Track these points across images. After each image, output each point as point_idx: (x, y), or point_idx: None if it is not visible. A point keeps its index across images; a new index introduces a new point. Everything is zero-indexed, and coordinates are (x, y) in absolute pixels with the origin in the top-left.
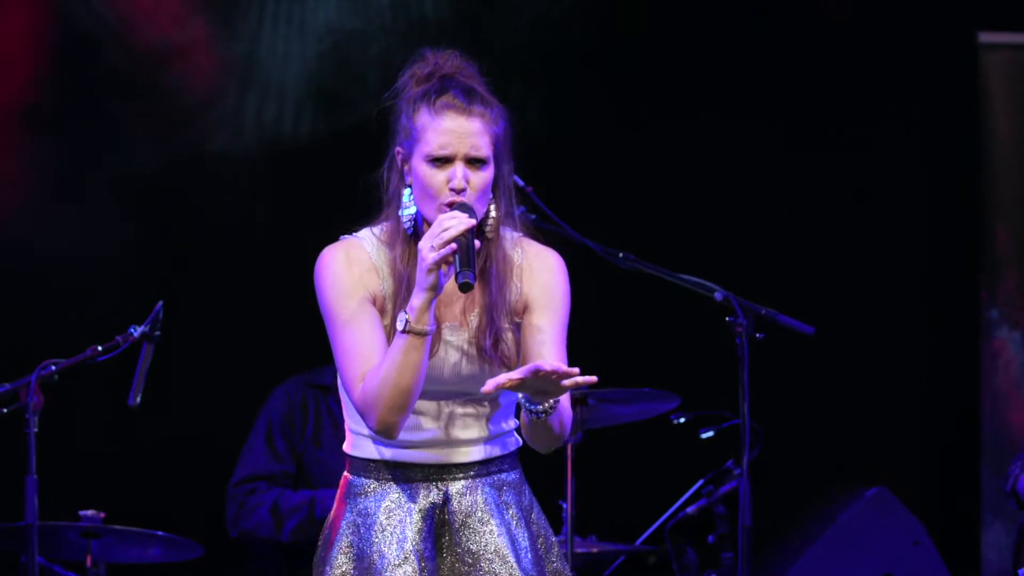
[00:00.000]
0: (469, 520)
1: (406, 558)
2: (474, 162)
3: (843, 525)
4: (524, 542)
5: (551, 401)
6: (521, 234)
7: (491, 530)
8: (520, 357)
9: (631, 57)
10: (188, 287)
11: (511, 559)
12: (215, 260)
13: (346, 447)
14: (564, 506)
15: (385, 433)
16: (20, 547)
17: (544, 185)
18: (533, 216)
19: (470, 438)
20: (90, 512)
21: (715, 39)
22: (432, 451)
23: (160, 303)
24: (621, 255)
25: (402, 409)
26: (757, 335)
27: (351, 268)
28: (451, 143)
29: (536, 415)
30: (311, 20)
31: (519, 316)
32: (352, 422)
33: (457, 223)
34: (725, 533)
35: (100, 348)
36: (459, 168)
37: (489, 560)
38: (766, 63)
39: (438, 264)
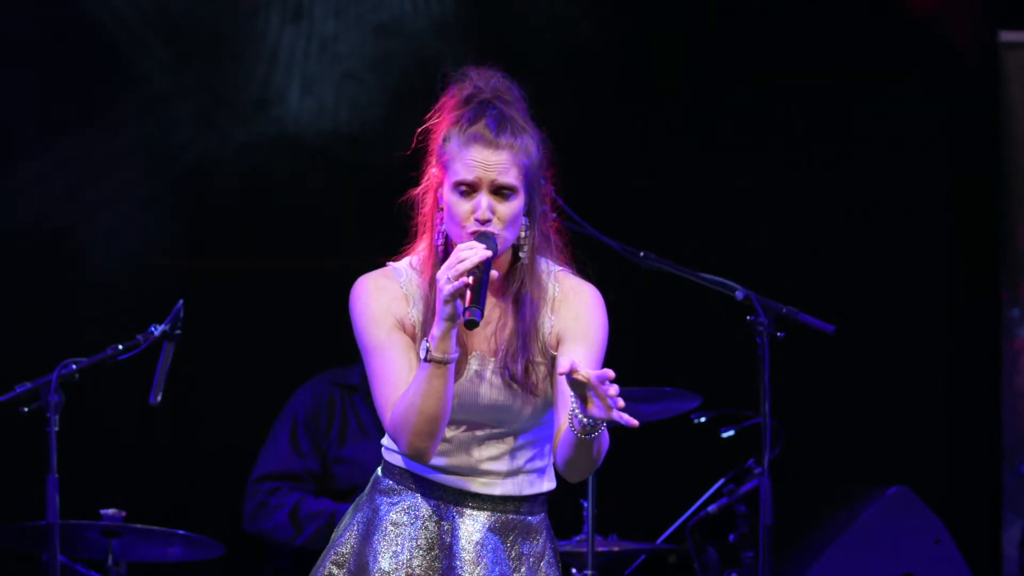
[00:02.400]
0: (466, 552)
1: (395, 569)
2: (500, 193)
3: (864, 524)
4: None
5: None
6: (561, 268)
7: (485, 568)
8: (553, 391)
9: (653, 57)
10: (209, 285)
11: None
12: (236, 259)
13: (385, 442)
14: (585, 505)
15: (417, 458)
16: (42, 546)
17: (565, 184)
18: (554, 215)
19: (491, 470)
20: (111, 511)
21: (735, 38)
22: (452, 476)
23: (180, 302)
24: (642, 254)
25: (430, 435)
26: (778, 334)
27: (380, 296)
28: (477, 174)
29: (585, 427)
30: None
31: (553, 349)
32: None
33: (472, 254)
34: (746, 532)
35: (121, 347)
36: (483, 199)
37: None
38: (786, 62)
39: (453, 296)
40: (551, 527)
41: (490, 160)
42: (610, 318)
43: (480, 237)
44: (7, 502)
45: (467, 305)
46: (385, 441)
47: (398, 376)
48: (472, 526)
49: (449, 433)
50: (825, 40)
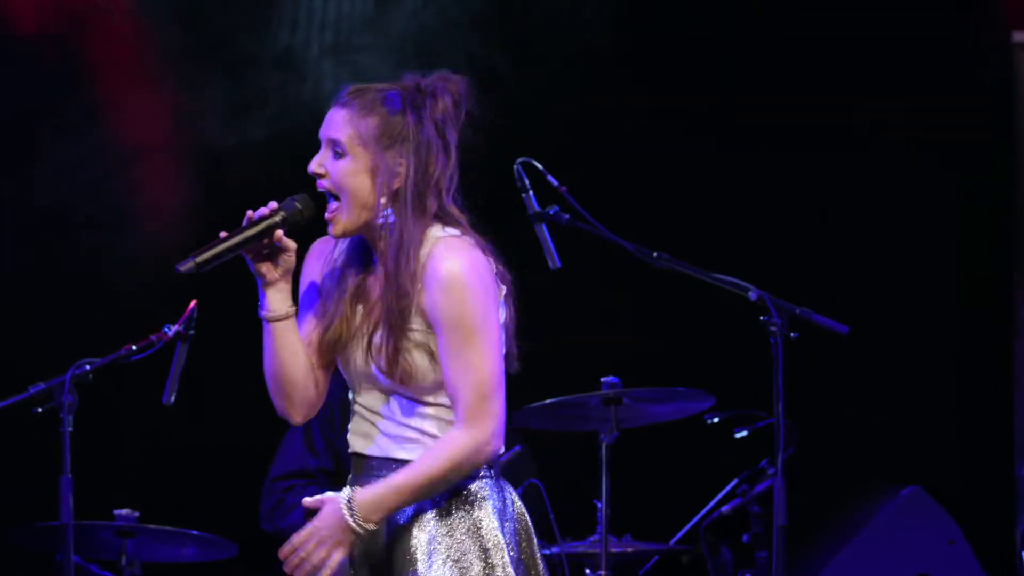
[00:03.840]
0: (395, 518)
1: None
2: (334, 150)
3: (878, 525)
4: (444, 551)
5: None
6: (450, 235)
7: (410, 532)
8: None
9: (663, 57)
10: (223, 285)
11: (419, 566)
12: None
13: None
14: (599, 505)
15: (285, 418)
16: (55, 546)
17: (578, 185)
18: (567, 216)
19: (412, 437)
20: (125, 511)
21: (745, 39)
22: (375, 444)
23: (194, 302)
24: (655, 255)
25: (281, 394)
26: (791, 335)
27: (311, 260)
28: (321, 131)
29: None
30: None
31: (430, 328)
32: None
33: (248, 215)
34: (759, 532)
35: (134, 347)
36: (318, 155)
37: (401, 563)
38: (800, 62)
39: (223, 254)
40: (506, 492)
41: (331, 116)
42: (624, 319)
43: (289, 199)
44: (21, 502)
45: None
46: None
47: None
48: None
49: (362, 398)
50: (838, 40)
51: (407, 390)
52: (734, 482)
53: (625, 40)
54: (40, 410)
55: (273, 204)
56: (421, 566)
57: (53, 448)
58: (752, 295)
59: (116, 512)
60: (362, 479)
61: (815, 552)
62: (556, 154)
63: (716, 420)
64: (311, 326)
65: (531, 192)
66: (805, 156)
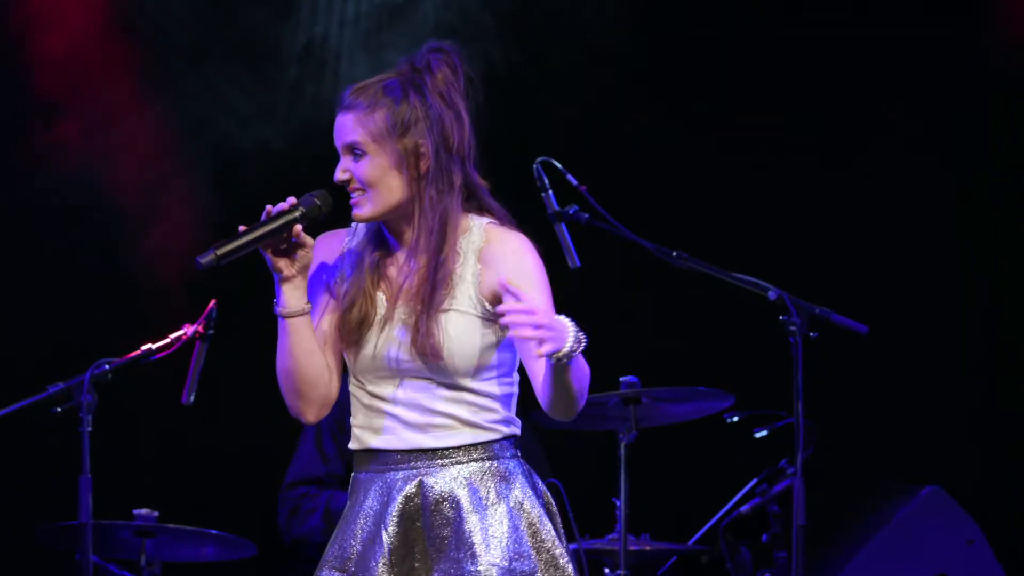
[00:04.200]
0: (440, 507)
1: (378, 547)
2: (354, 153)
3: (897, 524)
4: (500, 531)
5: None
6: (490, 220)
7: (460, 517)
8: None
9: (682, 57)
10: (242, 285)
11: (476, 546)
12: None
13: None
14: (618, 504)
15: (299, 418)
16: (74, 546)
17: (598, 184)
18: (586, 215)
19: (439, 423)
20: (144, 511)
21: (764, 41)
22: (405, 435)
23: (213, 302)
24: (675, 254)
25: (295, 393)
26: (811, 334)
27: (317, 255)
28: (336, 138)
29: (558, 359)
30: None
31: (488, 302)
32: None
33: (267, 210)
34: (779, 532)
35: (154, 347)
36: (340, 163)
37: (455, 547)
38: (816, 61)
39: (242, 248)
40: (531, 471)
41: (340, 123)
42: (644, 319)
43: (308, 194)
44: (40, 502)
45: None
46: (350, 444)
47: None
48: (437, 479)
49: (387, 391)
50: (856, 42)
51: (443, 375)
52: (753, 481)
53: (649, 40)
54: (59, 410)
55: (292, 199)
56: (479, 548)
57: (72, 448)
58: (772, 295)
59: (135, 512)
60: (384, 475)
61: (834, 552)
62: (576, 153)
63: (735, 419)
64: (326, 318)
65: (551, 191)
66: (826, 155)
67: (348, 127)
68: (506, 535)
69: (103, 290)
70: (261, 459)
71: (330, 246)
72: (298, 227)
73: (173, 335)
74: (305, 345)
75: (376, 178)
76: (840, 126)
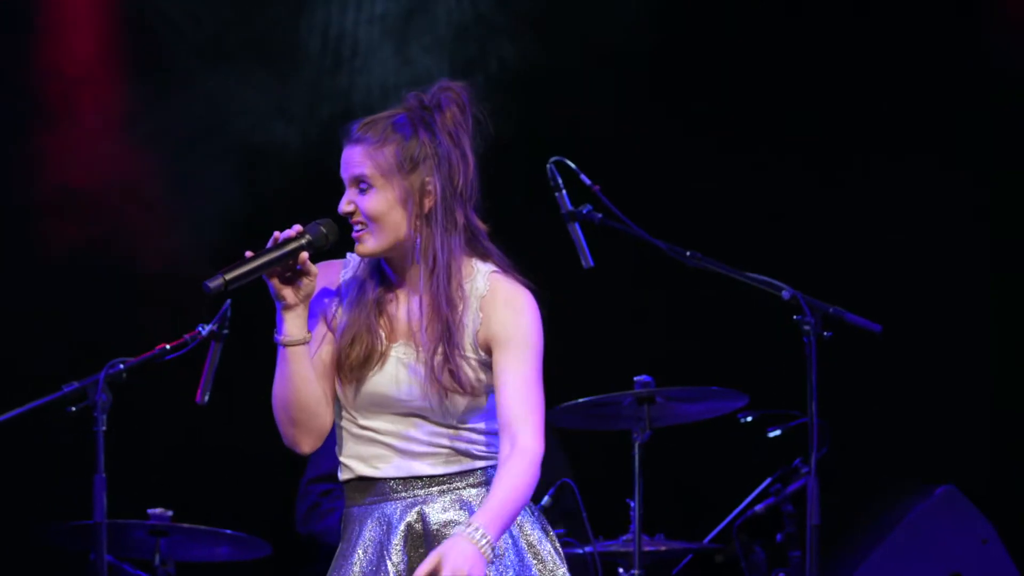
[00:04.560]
0: (444, 533)
1: (383, 573)
2: (360, 186)
3: (911, 524)
4: (503, 553)
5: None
6: (496, 270)
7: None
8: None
9: (695, 58)
10: (257, 285)
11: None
12: None
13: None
14: (632, 504)
15: (292, 448)
16: (89, 545)
17: (611, 184)
18: (600, 215)
19: (435, 452)
20: (158, 510)
21: (777, 41)
22: (402, 465)
23: (228, 301)
24: (688, 254)
25: (291, 422)
26: (825, 333)
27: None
28: (342, 170)
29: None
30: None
31: (484, 349)
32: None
33: (274, 237)
34: (793, 532)
35: (168, 347)
36: (345, 195)
37: None
38: (829, 61)
39: (253, 272)
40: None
41: (347, 155)
42: (657, 318)
43: (313, 223)
44: (55, 502)
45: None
46: (340, 475)
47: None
48: (439, 508)
49: (384, 425)
50: (870, 41)
51: (439, 413)
52: (767, 481)
53: (660, 40)
54: (74, 409)
55: (298, 227)
56: (488, 572)
57: (87, 447)
58: (785, 294)
59: (150, 511)
60: (381, 506)
61: (848, 551)
62: (589, 153)
63: (749, 419)
64: (323, 348)
65: (564, 191)
66: (840, 155)
67: (356, 160)
68: (511, 558)
69: (118, 289)
70: (276, 459)
71: (327, 277)
72: (304, 255)
73: (188, 335)
74: (304, 374)
75: (381, 213)
76: (853, 125)
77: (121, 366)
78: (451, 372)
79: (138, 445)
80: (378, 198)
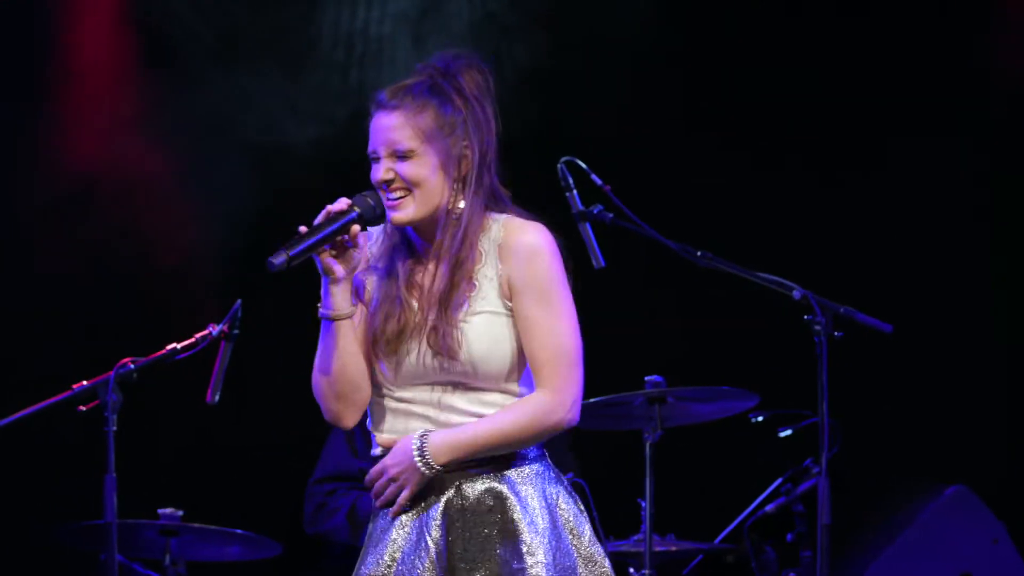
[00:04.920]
0: (481, 507)
1: (423, 553)
2: (399, 154)
3: (922, 523)
4: (542, 529)
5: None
6: (509, 215)
7: (502, 514)
8: (512, 343)
9: (706, 56)
10: (267, 285)
11: (523, 542)
12: None
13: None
14: (643, 504)
15: (335, 423)
16: (99, 545)
17: (622, 184)
18: (611, 215)
19: (460, 423)
20: (169, 510)
21: (786, 39)
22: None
23: (239, 301)
24: (699, 253)
25: (336, 396)
26: (835, 333)
27: None
28: (375, 140)
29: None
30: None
31: (508, 299)
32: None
33: (326, 211)
34: (804, 532)
35: (179, 346)
36: (382, 163)
37: (500, 544)
38: (840, 59)
39: (309, 250)
40: (558, 471)
41: (384, 123)
42: (668, 318)
43: (359, 196)
44: (65, 501)
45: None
46: (373, 451)
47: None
48: (475, 480)
49: (419, 395)
50: (880, 39)
51: (471, 378)
52: (778, 481)
53: (670, 40)
54: (84, 409)
55: (346, 200)
56: (525, 547)
57: (97, 447)
58: (796, 294)
59: (160, 511)
60: None
61: (859, 551)
62: (600, 153)
63: (760, 419)
64: (359, 325)
65: (575, 191)
66: (850, 155)
67: (392, 127)
68: (548, 533)
69: (128, 289)
70: (286, 458)
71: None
72: (355, 228)
73: (198, 335)
74: (350, 348)
75: (423, 178)
76: (863, 124)
77: (131, 366)
78: (443, 336)
79: (149, 445)
80: (419, 164)
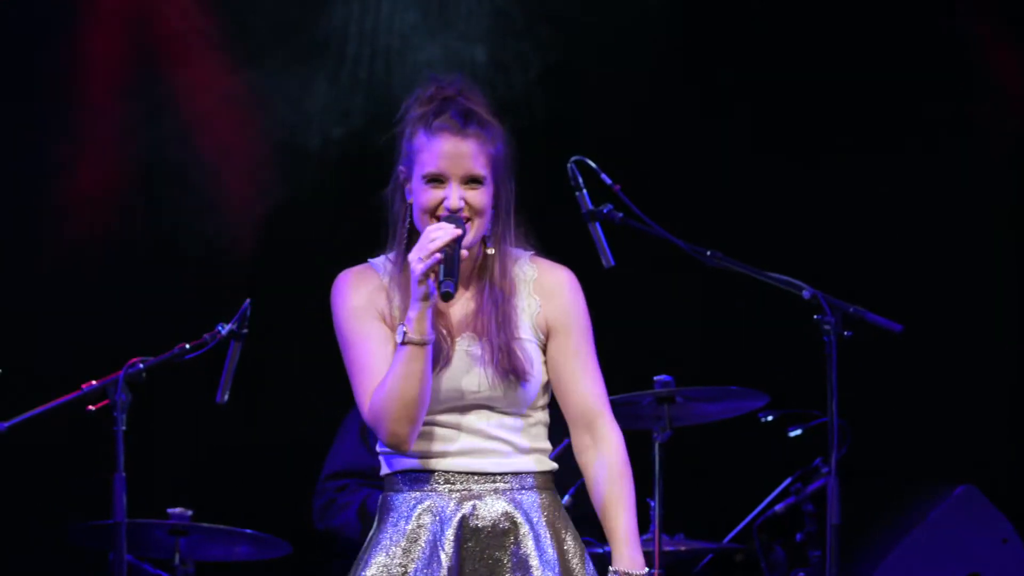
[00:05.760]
0: (495, 529)
1: (436, 569)
2: (470, 182)
3: (931, 523)
4: (552, 555)
5: None
6: (531, 253)
7: (515, 541)
8: (550, 374)
9: (717, 54)
10: (276, 284)
11: (534, 570)
12: (303, 257)
13: (381, 470)
14: (652, 504)
15: (396, 447)
16: (109, 545)
17: (632, 184)
18: (620, 214)
19: (500, 449)
20: (178, 510)
21: (797, 38)
22: (461, 459)
23: (248, 301)
24: (709, 253)
25: (410, 420)
26: (845, 333)
27: (360, 288)
28: (446, 164)
29: None
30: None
31: (543, 332)
32: (379, 444)
33: (443, 233)
34: (813, 531)
35: (188, 346)
36: (454, 188)
37: (512, 570)
38: (849, 57)
39: (426, 274)
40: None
41: (459, 149)
42: (678, 316)
43: (448, 218)
44: (75, 501)
45: (440, 279)
46: (381, 461)
47: (377, 365)
48: (492, 504)
49: (447, 418)
50: (889, 38)
51: (498, 401)
52: (787, 481)
53: (678, 40)
54: (94, 409)
55: (450, 225)
56: (536, 572)
57: (107, 446)
58: (806, 293)
59: (169, 511)
60: (432, 496)
61: (868, 551)
62: (609, 153)
63: (770, 419)
64: (391, 352)
65: (585, 191)
66: (859, 155)
67: (471, 154)
68: (557, 559)
69: (138, 288)
70: (295, 458)
71: (369, 281)
72: (464, 252)
73: (207, 334)
74: (428, 372)
75: (485, 207)
76: (872, 125)
77: (141, 365)
78: (510, 356)
79: (158, 445)
80: (485, 193)
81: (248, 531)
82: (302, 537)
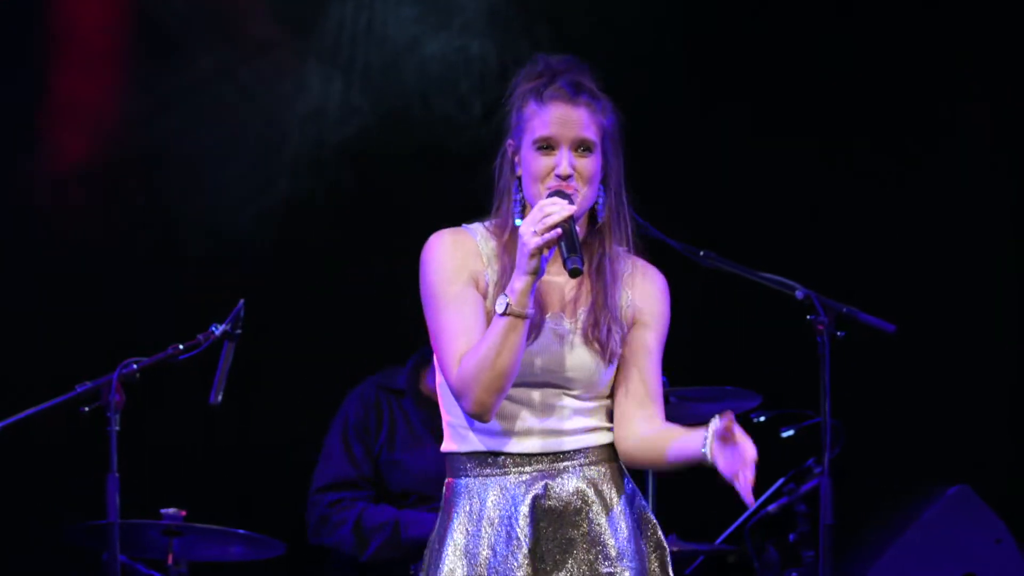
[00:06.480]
0: (568, 508)
1: (515, 550)
2: (581, 148)
3: (924, 523)
4: (625, 530)
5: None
6: (626, 248)
7: (587, 518)
8: (619, 362)
9: (712, 52)
10: (270, 285)
11: (609, 547)
12: (297, 258)
13: (444, 444)
14: (644, 505)
15: (479, 416)
16: (102, 545)
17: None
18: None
19: (570, 428)
20: (171, 510)
21: (793, 40)
22: (532, 440)
23: (241, 301)
24: (702, 253)
25: (498, 391)
26: (838, 333)
27: (456, 251)
28: (557, 130)
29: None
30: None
31: (627, 322)
32: (450, 414)
33: (559, 208)
34: (806, 532)
35: (181, 347)
36: (564, 154)
37: (585, 548)
38: (852, 60)
39: (540, 249)
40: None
41: (570, 115)
42: (672, 317)
43: (559, 195)
44: (68, 501)
45: (566, 255)
46: (448, 436)
47: (469, 331)
48: (565, 482)
49: (523, 395)
50: (895, 38)
51: (583, 385)
52: (780, 481)
53: (675, 40)
54: (87, 409)
55: (560, 199)
56: (611, 549)
57: (100, 447)
58: (799, 293)
59: (163, 511)
60: (502, 479)
61: (861, 551)
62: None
63: (762, 419)
64: (483, 317)
65: None
66: (855, 155)
67: (583, 122)
68: (631, 535)
69: (133, 288)
70: (289, 458)
71: (465, 245)
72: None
73: (201, 335)
74: (523, 345)
75: (594, 175)
76: (869, 124)
77: (134, 366)
78: (609, 334)
79: (151, 445)
80: (595, 161)
81: (242, 531)
82: (296, 538)
